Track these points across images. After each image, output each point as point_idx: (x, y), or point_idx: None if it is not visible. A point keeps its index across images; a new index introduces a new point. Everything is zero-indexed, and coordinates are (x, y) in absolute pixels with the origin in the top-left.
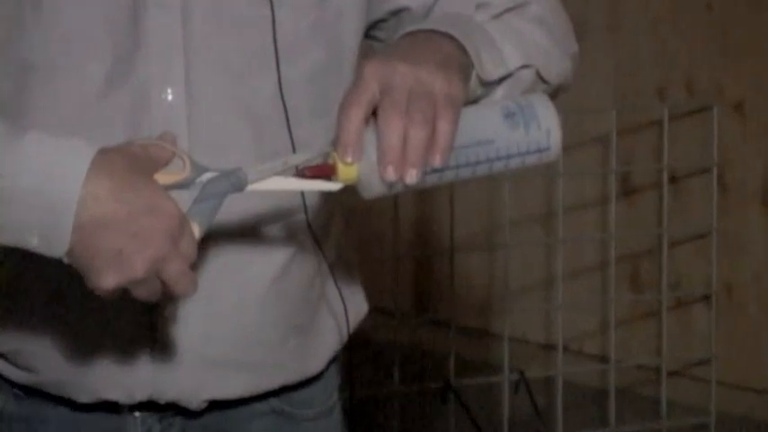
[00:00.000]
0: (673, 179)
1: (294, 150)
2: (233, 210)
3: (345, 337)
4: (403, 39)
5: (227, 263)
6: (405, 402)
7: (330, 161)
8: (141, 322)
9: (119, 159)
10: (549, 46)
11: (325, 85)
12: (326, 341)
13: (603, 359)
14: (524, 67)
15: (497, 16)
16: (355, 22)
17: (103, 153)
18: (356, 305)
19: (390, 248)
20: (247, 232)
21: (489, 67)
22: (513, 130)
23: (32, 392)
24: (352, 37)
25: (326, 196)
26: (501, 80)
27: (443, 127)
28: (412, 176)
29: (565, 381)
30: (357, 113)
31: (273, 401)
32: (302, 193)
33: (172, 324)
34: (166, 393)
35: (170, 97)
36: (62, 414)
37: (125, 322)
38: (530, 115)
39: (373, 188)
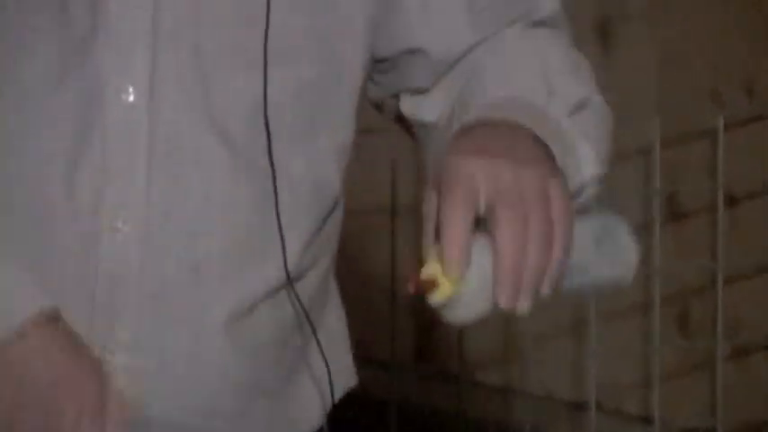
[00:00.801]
0: (730, 201)
1: (274, 178)
2: (188, 220)
3: (329, 407)
4: (479, 128)
5: (177, 301)
6: None
7: (430, 273)
8: None
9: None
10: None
11: (313, 104)
12: (305, 411)
13: (646, 420)
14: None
15: (571, 112)
16: (360, 38)
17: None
18: (343, 371)
19: (386, 287)
20: (204, 261)
21: (571, 180)
22: (602, 258)
23: None
24: (354, 55)
25: (311, 237)
26: None
27: (559, 248)
28: (524, 306)
29: None
30: (465, 218)
31: None
32: (278, 222)
33: (118, 377)
34: None
35: (131, 98)
36: None
37: None
38: (616, 245)
39: (472, 310)
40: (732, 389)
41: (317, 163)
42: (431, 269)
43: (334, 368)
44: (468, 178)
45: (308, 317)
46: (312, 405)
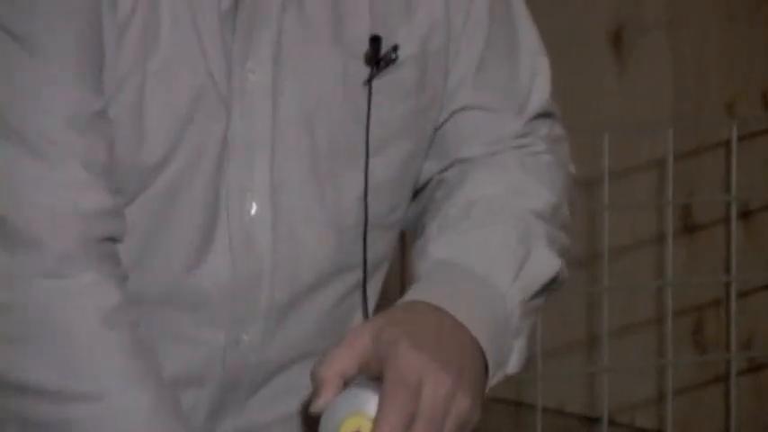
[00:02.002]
0: (744, 213)
1: (366, 262)
2: None
3: None
4: (423, 314)
5: (281, 391)
6: None
7: None
8: None
9: None
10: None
11: (405, 183)
12: None
13: None
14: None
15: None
16: (440, 104)
17: None
18: None
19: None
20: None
21: (492, 380)
22: None
23: None
24: (434, 124)
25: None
26: None
27: None
28: None
29: None
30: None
31: None
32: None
33: None
34: None
35: (253, 211)
36: None
37: None
38: None
39: None
40: (746, 403)
41: (395, 233)
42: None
43: None
44: (414, 387)
45: None
46: None
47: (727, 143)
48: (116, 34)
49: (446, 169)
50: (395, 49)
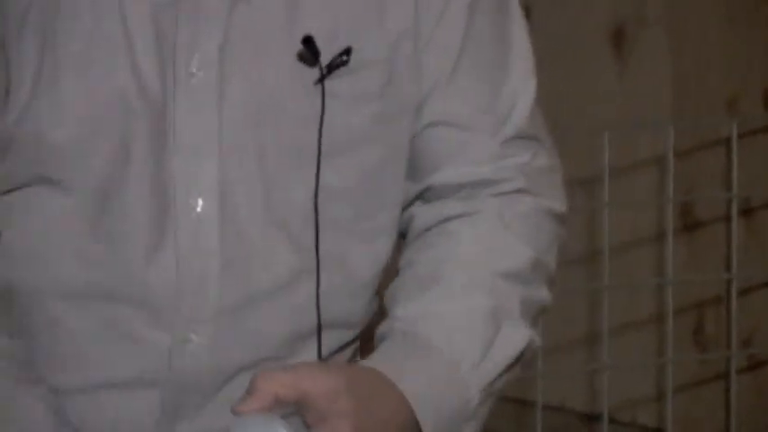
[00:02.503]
0: (745, 211)
1: (318, 267)
2: None
3: None
4: (381, 395)
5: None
6: None
7: None
8: None
9: None
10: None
11: (370, 190)
12: None
13: None
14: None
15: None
16: (413, 111)
17: None
18: None
19: None
20: (263, 361)
21: None
22: None
23: None
24: (407, 132)
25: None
26: None
27: None
28: None
29: None
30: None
31: None
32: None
33: None
34: None
35: (199, 209)
36: None
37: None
38: None
39: None
40: (747, 400)
41: (374, 242)
42: None
43: None
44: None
45: None
46: None
47: (728, 141)
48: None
49: (421, 195)
50: (347, 52)
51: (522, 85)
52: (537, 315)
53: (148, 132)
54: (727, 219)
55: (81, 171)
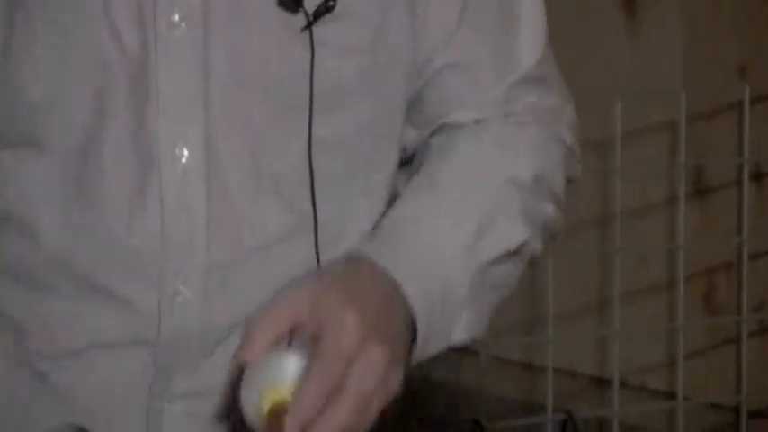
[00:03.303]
0: (756, 175)
1: (315, 222)
2: None
3: None
4: (365, 276)
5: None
6: None
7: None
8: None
9: None
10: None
11: (364, 146)
12: None
13: (670, 396)
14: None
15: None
16: (407, 67)
17: None
18: None
19: None
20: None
21: (423, 354)
22: None
23: None
24: (400, 88)
25: None
26: None
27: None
28: None
29: (622, 423)
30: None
31: None
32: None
33: (170, 419)
34: None
35: (185, 161)
36: None
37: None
38: None
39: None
40: (757, 365)
41: (371, 200)
42: (277, 398)
43: None
44: (347, 359)
45: None
46: None
47: (740, 107)
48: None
49: (432, 135)
50: None
51: (531, 28)
52: (540, 227)
53: (128, 88)
54: (739, 184)
55: (59, 129)
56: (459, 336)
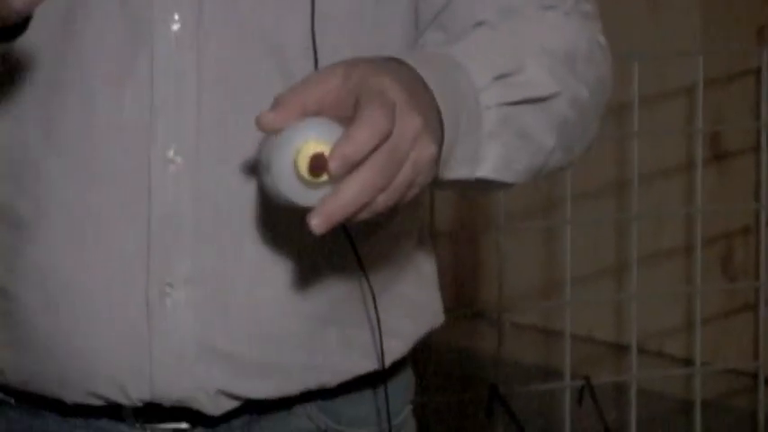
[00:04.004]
0: None
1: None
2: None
3: (415, 338)
4: (397, 65)
5: (234, 232)
6: (442, 414)
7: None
8: (136, 301)
9: None
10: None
11: (367, 21)
12: (386, 339)
13: (688, 362)
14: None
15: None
16: None
17: None
18: (429, 307)
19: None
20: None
21: (451, 170)
22: None
23: (20, 398)
24: None
25: None
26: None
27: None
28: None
29: (640, 389)
30: (372, 140)
31: (313, 412)
32: None
33: (173, 307)
34: (169, 392)
35: (176, 26)
36: (52, 422)
37: (116, 301)
38: None
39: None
40: None
41: None
42: (317, 150)
43: (419, 303)
44: (391, 113)
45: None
46: (400, 331)
47: (758, 70)
48: None
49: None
50: None
51: None
52: (570, 98)
53: None
54: (757, 148)
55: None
56: (485, 168)
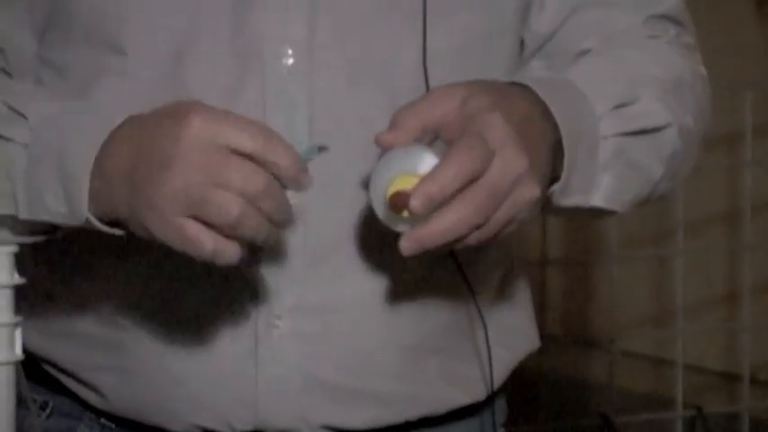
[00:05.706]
0: None
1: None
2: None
3: (510, 366)
4: (516, 93)
5: (340, 264)
6: None
7: (405, 190)
8: (246, 333)
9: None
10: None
11: (475, 56)
12: (481, 369)
13: None
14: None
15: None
16: None
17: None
18: (525, 333)
19: (536, 252)
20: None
21: (567, 197)
22: None
23: (121, 423)
24: (511, 11)
25: None
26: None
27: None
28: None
29: (752, 418)
30: (462, 177)
31: None
32: None
33: (279, 338)
34: (272, 423)
35: (290, 61)
36: None
37: (226, 333)
38: None
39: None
40: None
41: None
42: (405, 185)
43: (515, 329)
44: (486, 153)
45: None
46: (500, 358)
47: None
48: None
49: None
50: None
51: None
52: (678, 128)
53: None
54: None
55: (150, 34)
56: (598, 198)
